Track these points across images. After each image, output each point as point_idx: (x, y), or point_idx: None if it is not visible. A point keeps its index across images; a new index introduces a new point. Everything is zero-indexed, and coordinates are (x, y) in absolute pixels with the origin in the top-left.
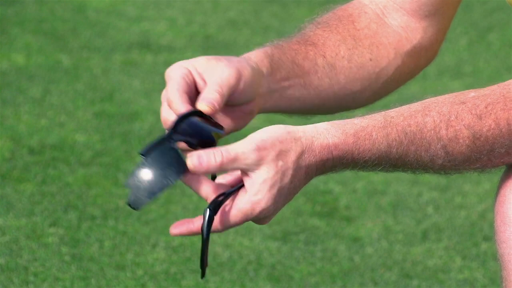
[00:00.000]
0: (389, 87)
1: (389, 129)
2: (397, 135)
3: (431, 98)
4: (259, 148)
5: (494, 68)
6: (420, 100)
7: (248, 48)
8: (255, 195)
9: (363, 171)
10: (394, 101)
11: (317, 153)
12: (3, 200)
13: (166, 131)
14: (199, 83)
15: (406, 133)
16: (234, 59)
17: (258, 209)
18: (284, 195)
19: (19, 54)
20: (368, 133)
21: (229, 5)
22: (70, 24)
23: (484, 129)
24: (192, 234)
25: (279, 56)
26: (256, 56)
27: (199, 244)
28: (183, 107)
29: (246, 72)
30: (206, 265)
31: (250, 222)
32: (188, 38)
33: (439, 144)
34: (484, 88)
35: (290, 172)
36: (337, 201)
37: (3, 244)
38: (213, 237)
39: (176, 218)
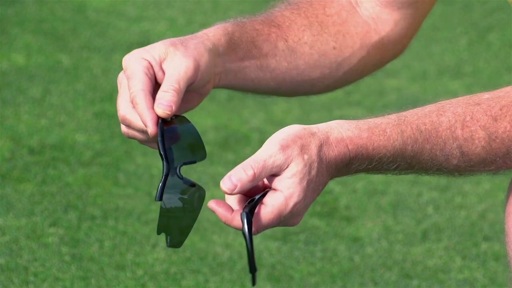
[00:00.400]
0: (351, 77)
1: (404, 126)
2: (412, 132)
3: (444, 101)
4: (283, 147)
5: (494, 68)
6: (414, 102)
7: None
8: (288, 189)
9: (379, 172)
10: (394, 101)
11: (334, 147)
12: (3, 200)
13: (164, 163)
14: (159, 74)
15: (421, 131)
16: (192, 45)
17: (291, 203)
18: (311, 189)
19: (19, 54)
20: (382, 130)
21: (229, 5)
22: (70, 24)
23: (500, 131)
24: (223, 220)
25: (239, 36)
26: (214, 35)
27: (199, 244)
28: (149, 115)
29: (204, 60)
30: (255, 270)
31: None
32: None
33: (455, 143)
34: (498, 90)
35: (315, 164)
36: (337, 201)
37: (3, 244)
38: (213, 237)
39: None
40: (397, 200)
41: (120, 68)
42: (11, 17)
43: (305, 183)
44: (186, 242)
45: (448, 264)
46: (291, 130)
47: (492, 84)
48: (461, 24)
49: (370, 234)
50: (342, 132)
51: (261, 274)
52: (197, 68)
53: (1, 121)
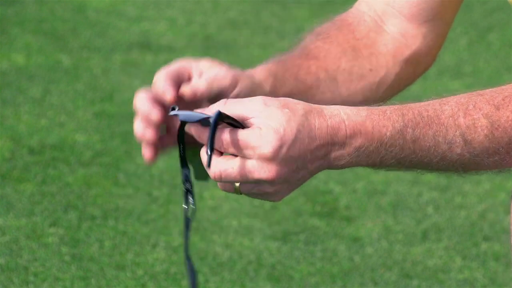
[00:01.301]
0: (389, 94)
1: (405, 110)
2: (413, 116)
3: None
4: (265, 100)
5: (494, 68)
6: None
7: (248, 48)
8: (266, 123)
9: (382, 161)
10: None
11: (327, 118)
12: (3, 200)
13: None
14: (196, 79)
15: (423, 117)
16: (237, 69)
17: (266, 140)
18: (291, 142)
19: (19, 54)
20: (382, 111)
21: (229, 5)
22: (70, 24)
23: (502, 120)
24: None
25: (282, 74)
26: (260, 74)
27: (199, 244)
28: (166, 87)
29: (244, 83)
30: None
31: (250, 221)
32: (188, 38)
33: (458, 131)
34: (502, 86)
35: (297, 119)
36: (337, 201)
37: (3, 244)
38: (213, 237)
39: (176, 218)
40: (397, 200)
41: (120, 68)
42: (11, 17)
43: (281, 129)
44: None
45: (448, 264)
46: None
47: (492, 84)
48: (461, 24)
49: (370, 234)
50: (341, 110)
51: (261, 274)
52: (234, 83)
53: (1, 121)
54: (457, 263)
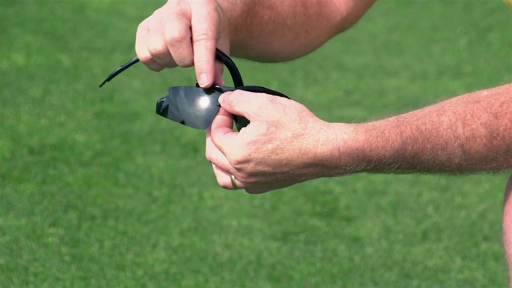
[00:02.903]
0: (306, 53)
1: (403, 127)
2: (411, 132)
3: (443, 100)
4: (266, 103)
5: (494, 68)
6: (415, 102)
7: None
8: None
9: (381, 172)
10: (394, 101)
11: (318, 145)
12: (3, 200)
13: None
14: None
15: (421, 131)
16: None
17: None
18: (265, 159)
19: (19, 54)
20: (380, 132)
21: None
22: (70, 24)
23: (501, 128)
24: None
25: (242, 21)
26: (233, 13)
27: (199, 244)
28: (211, 68)
29: (223, 28)
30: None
31: (250, 221)
32: None
33: (456, 142)
34: (496, 87)
35: (277, 142)
36: (337, 201)
37: (3, 244)
38: (213, 237)
39: (176, 218)
40: (397, 200)
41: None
42: (11, 17)
43: (253, 147)
44: (186, 242)
45: (448, 264)
46: (290, 101)
47: (492, 84)
48: (461, 24)
49: (370, 234)
50: (338, 134)
51: (261, 274)
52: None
53: (1, 121)
54: (457, 263)
